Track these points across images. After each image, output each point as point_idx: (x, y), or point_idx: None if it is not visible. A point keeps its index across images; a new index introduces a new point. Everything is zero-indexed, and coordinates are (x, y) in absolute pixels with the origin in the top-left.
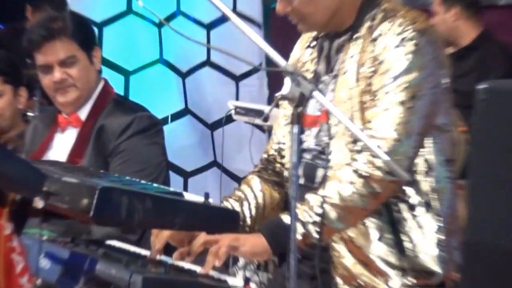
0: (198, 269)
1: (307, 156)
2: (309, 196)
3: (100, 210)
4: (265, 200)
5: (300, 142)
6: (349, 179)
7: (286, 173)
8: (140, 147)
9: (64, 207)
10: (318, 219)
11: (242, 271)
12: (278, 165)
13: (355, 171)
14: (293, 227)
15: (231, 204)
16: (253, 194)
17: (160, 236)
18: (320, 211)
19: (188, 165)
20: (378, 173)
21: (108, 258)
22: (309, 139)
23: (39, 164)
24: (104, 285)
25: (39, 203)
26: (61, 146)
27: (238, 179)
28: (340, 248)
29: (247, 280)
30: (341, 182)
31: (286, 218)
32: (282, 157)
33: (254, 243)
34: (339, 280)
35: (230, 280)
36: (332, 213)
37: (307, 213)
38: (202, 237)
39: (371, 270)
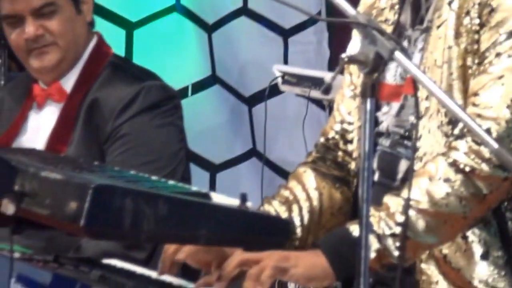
0: None
1: (385, 142)
2: (388, 199)
3: (94, 217)
4: (322, 202)
5: (375, 122)
6: (445, 175)
7: (353, 165)
8: (149, 130)
9: (44, 213)
10: (399, 230)
11: None
12: (340, 153)
13: (453, 165)
14: (364, 241)
15: (275, 208)
16: (305, 195)
17: (177, 254)
18: (402, 219)
19: (217, 155)
20: (485, 168)
21: (106, 284)
22: (388, 119)
23: (7, 154)
24: None
25: (8, 207)
26: (38, 129)
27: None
28: (430, 271)
29: None
30: (433, 180)
31: (354, 230)
32: (348, 142)
33: (310, 264)
34: None
35: None
36: (420, 223)
37: (384, 223)
38: (237, 255)
39: None
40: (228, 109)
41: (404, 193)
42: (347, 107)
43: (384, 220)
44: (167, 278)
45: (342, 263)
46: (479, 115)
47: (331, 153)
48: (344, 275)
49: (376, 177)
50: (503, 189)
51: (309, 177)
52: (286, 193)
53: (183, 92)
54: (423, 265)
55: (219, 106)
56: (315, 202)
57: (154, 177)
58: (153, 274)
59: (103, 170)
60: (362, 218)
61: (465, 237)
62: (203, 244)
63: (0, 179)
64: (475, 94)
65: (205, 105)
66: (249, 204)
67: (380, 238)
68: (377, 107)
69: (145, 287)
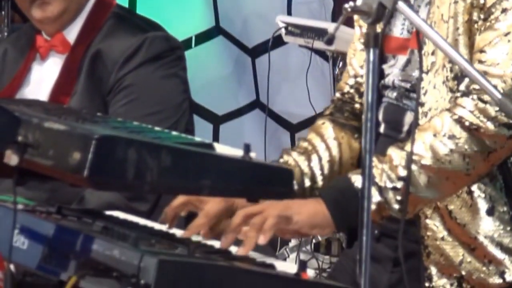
0: (234, 249)
1: (391, 95)
2: (391, 151)
3: (97, 168)
4: (341, 152)
5: (381, 74)
6: (450, 132)
7: None
8: (153, 81)
9: (47, 164)
10: (401, 185)
11: (294, 253)
12: (357, 105)
13: (458, 121)
14: (367, 192)
15: (294, 158)
16: (324, 145)
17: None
18: (405, 173)
19: (220, 107)
20: (490, 126)
21: (108, 235)
22: (394, 71)
23: (11, 105)
24: (104, 271)
25: (11, 158)
26: (41, 80)
27: (288, 126)
28: (435, 226)
29: (302, 265)
30: (438, 136)
31: (356, 180)
32: (363, 95)
33: (313, 211)
34: (433, 269)
35: (279, 265)
36: (422, 178)
37: (386, 175)
38: (241, 211)
39: (478, 256)
40: (231, 60)
41: (408, 146)
42: (359, 61)
43: (387, 173)
44: (170, 229)
45: (343, 213)
46: (485, 72)
47: (348, 106)
48: (344, 225)
49: (382, 129)
50: (508, 147)
51: (328, 128)
52: (305, 144)
53: (187, 43)
54: (428, 221)
55: (222, 58)
56: (335, 152)
57: (157, 128)
58: (156, 225)
59: (106, 121)
60: (365, 169)
61: (470, 193)
62: (206, 195)
63: (3, 130)
64: (481, 51)
65: (208, 56)
66: (252, 154)
67: (382, 190)
68: (383, 60)
69: (148, 239)
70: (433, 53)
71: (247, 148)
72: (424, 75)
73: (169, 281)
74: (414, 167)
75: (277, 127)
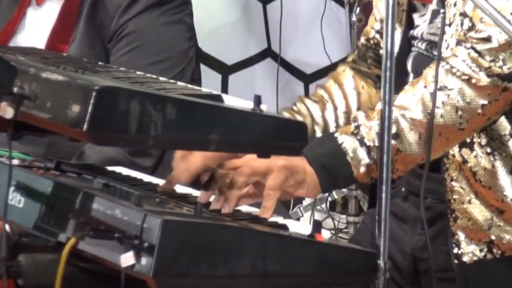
0: (243, 210)
1: (420, 45)
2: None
3: (98, 121)
4: (360, 103)
5: (411, 24)
6: (440, 83)
7: None
8: (156, 28)
9: (45, 117)
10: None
11: (308, 212)
12: (382, 52)
13: (449, 72)
14: (386, 146)
15: (308, 107)
16: (342, 94)
17: (187, 161)
18: (394, 130)
19: (229, 56)
20: (483, 77)
21: (110, 193)
22: (423, 24)
23: (5, 53)
24: (105, 231)
25: (6, 110)
26: (37, 26)
27: (302, 76)
28: (461, 188)
29: (316, 225)
30: (428, 87)
31: (345, 140)
32: None
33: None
34: (461, 235)
35: (292, 225)
36: (412, 135)
37: (375, 133)
38: (244, 168)
39: (508, 219)
40: (241, 5)
41: (397, 99)
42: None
43: (375, 130)
44: (176, 187)
45: (330, 177)
46: (502, 9)
47: (373, 52)
48: (332, 188)
49: (410, 79)
50: (503, 99)
51: (348, 76)
52: (321, 92)
53: None
54: (453, 183)
55: (231, 3)
56: (352, 102)
57: (162, 78)
58: (160, 182)
59: (107, 71)
60: (384, 122)
61: (490, 154)
62: (214, 150)
63: None
64: None
65: (216, 1)
66: (263, 106)
67: (370, 150)
68: (413, 9)
69: (152, 197)
70: (455, 4)
71: (257, 100)
72: (447, 28)
73: (174, 243)
74: (404, 123)
75: (290, 78)
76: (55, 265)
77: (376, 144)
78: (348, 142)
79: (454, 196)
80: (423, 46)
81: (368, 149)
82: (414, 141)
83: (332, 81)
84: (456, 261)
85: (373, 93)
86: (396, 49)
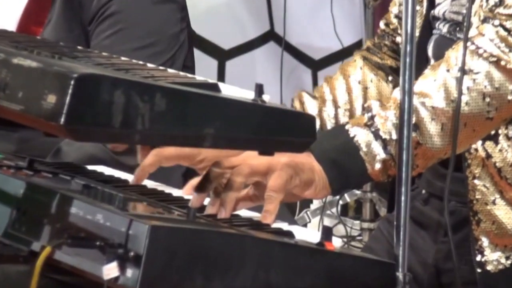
0: (242, 214)
1: (442, 27)
2: (398, 93)
3: (77, 114)
4: (365, 99)
5: (432, 2)
6: (465, 65)
7: None
8: (144, 7)
9: (16, 109)
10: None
11: (317, 217)
12: (399, 38)
13: (476, 52)
14: (405, 142)
15: (304, 103)
16: (345, 88)
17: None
18: (413, 120)
19: (227, 39)
20: None
21: (90, 196)
22: (445, 3)
23: None
24: (85, 239)
25: None
26: (7, 6)
27: (309, 62)
28: (484, 187)
29: (326, 232)
30: (451, 71)
31: (358, 133)
32: None
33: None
34: (484, 240)
35: (298, 232)
36: (434, 126)
37: (392, 124)
38: (243, 167)
39: None
40: None
41: (419, 84)
42: None
43: (391, 121)
44: (166, 188)
45: (341, 175)
46: None
47: (390, 39)
48: (343, 188)
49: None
50: None
51: (356, 67)
52: (324, 86)
53: None
54: (476, 181)
55: None
56: (356, 98)
57: (150, 65)
58: (148, 183)
59: (88, 56)
60: (403, 114)
61: None
62: (209, 146)
63: None
64: None
65: None
66: (265, 97)
67: (386, 144)
68: None
69: (138, 200)
70: None
71: (259, 89)
72: (473, 5)
73: (164, 252)
74: (424, 111)
75: (296, 64)
76: (28, 278)
77: (393, 137)
78: (361, 135)
79: (477, 196)
80: (445, 28)
81: (384, 143)
82: (435, 132)
83: (339, 73)
84: (479, 270)
85: (383, 87)
86: (416, 32)
